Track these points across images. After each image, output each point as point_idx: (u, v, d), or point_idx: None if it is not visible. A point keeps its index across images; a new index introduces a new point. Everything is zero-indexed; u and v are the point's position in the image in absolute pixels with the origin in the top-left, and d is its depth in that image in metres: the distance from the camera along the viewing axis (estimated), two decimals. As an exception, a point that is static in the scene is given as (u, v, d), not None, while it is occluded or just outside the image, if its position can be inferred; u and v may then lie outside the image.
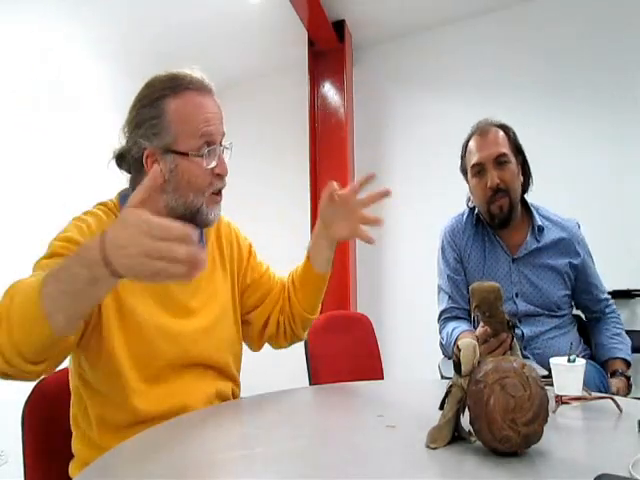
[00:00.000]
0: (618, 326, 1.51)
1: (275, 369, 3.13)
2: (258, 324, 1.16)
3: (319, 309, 1.21)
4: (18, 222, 2.60)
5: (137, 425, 0.88)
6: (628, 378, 1.38)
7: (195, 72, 0.98)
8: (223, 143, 1.01)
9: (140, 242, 0.61)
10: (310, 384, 1.50)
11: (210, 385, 1.01)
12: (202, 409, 0.93)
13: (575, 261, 1.49)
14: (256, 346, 1.20)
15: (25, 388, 0.96)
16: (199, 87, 0.97)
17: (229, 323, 1.08)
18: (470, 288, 1.01)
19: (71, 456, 0.94)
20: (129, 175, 1.02)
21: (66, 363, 1.01)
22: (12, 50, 2.72)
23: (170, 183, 0.96)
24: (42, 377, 0.83)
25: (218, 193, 1.01)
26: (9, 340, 0.69)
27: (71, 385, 0.96)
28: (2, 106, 2.64)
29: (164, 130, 0.94)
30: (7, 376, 0.73)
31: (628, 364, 1.43)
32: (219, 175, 0.99)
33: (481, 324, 1.12)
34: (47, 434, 0.96)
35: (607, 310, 1.55)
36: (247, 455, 0.72)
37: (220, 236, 1.13)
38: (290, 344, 1.22)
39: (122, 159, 1.01)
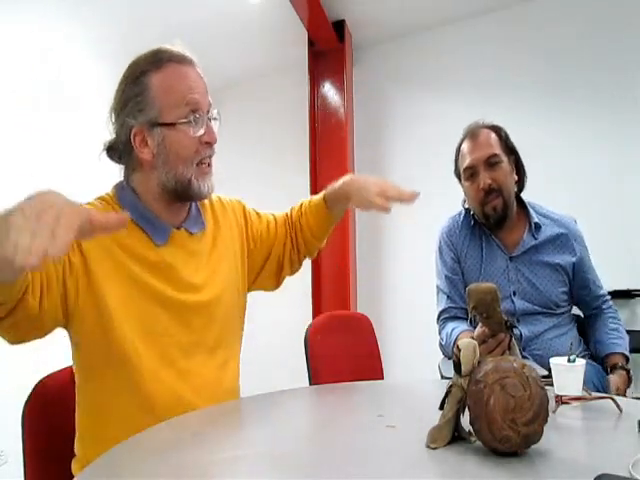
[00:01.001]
0: (615, 321, 1.51)
1: (275, 369, 3.13)
2: (272, 271, 1.20)
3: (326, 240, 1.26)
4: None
5: (146, 415, 0.88)
6: (628, 371, 1.38)
7: (176, 46, 1.00)
8: (211, 112, 1.01)
9: (47, 208, 0.60)
10: (310, 384, 1.49)
11: (217, 366, 1.01)
12: (202, 409, 0.93)
13: (573, 258, 1.48)
14: (274, 288, 1.25)
15: (25, 388, 0.96)
16: (181, 59, 0.98)
17: (232, 300, 1.09)
18: (467, 290, 1.01)
19: (71, 456, 0.94)
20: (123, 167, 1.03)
21: (69, 362, 1.01)
22: (12, 50, 2.72)
23: (159, 157, 0.96)
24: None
25: (208, 164, 1.01)
26: None
27: (77, 381, 0.95)
28: (2, 106, 2.64)
29: (148, 105, 0.95)
30: None
31: (627, 359, 1.42)
32: (208, 143, 0.99)
33: (479, 324, 1.12)
34: (47, 434, 0.96)
35: (604, 306, 1.54)
36: (247, 455, 0.72)
37: (217, 216, 1.13)
38: (296, 268, 1.27)
39: (112, 149, 1.01)
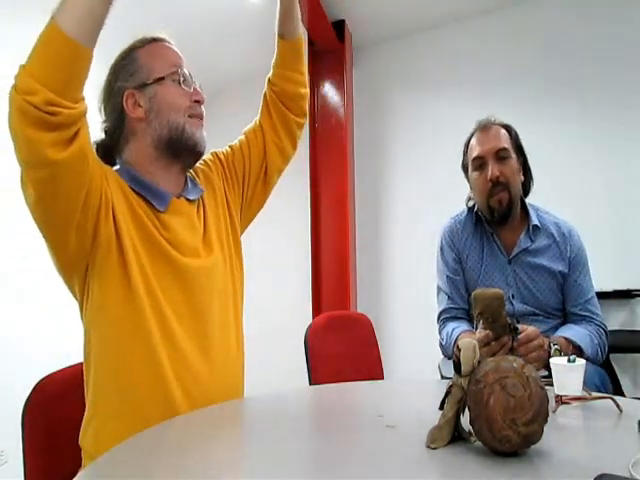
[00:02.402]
0: (591, 330, 1.39)
1: (275, 369, 3.13)
2: (260, 177, 1.21)
3: (306, 79, 1.25)
4: (15, 223, 2.60)
5: (152, 364, 0.91)
6: (558, 351, 1.15)
7: (161, 34, 1.07)
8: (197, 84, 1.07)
9: None
10: (310, 384, 1.49)
11: (219, 327, 1.03)
12: (203, 409, 0.93)
13: (567, 265, 1.46)
14: (266, 196, 1.25)
15: (25, 387, 0.96)
16: (166, 41, 1.07)
17: (229, 257, 1.11)
18: (472, 295, 1.00)
19: (71, 455, 0.94)
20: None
21: (69, 363, 1.01)
22: (12, 51, 2.72)
23: (152, 111, 1.00)
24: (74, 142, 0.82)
25: (199, 118, 1.05)
26: (27, 72, 0.76)
27: (90, 337, 0.96)
28: (2, 106, 2.65)
29: (138, 70, 1.01)
30: (48, 122, 0.76)
31: (577, 348, 1.30)
32: (197, 101, 1.04)
33: (480, 326, 1.11)
34: (47, 434, 0.96)
35: (589, 320, 1.43)
36: (247, 455, 0.72)
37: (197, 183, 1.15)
38: (296, 144, 1.26)
39: (103, 143, 1.04)
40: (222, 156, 1.21)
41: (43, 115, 0.76)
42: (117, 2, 0.81)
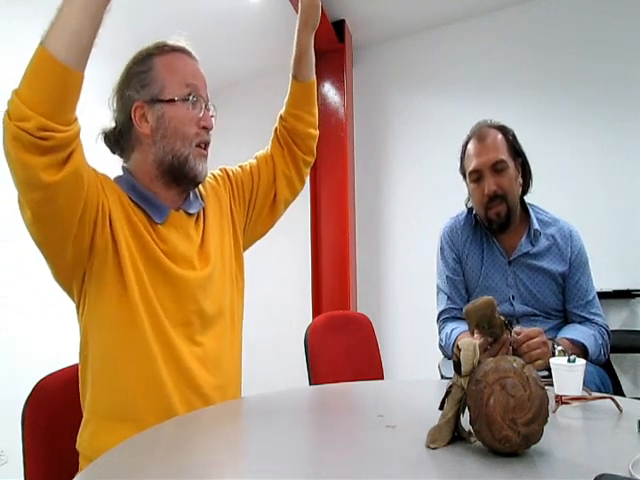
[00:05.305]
0: (596, 329, 1.40)
1: (275, 369, 3.13)
2: (267, 203, 1.21)
3: (317, 121, 1.30)
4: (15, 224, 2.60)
5: (150, 364, 0.91)
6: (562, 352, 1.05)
7: (181, 41, 1.06)
8: (209, 104, 1.05)
9: None
10: (310, 384, 1.49)
11: (215, 337, 1.03)
12: (201, 409, 0.93)
13: (567, 265, 1.46)
14: (271, 224, 1.25)
15: (25, 387, 0.96)
16: (184, 51, 1.05)
17: (229, 269, 1.11)
18: (465, 311, 1.00)
19: (72, 455, 0.94)
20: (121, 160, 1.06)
21: (69, 363, 1.01)
22: (11, 50, 2.72)
23: (158, 131, 0.99)
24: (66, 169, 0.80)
25: (204, 148, 1.05)
26: (19, 98, 0.75)
27: (86, 341, 0.96)
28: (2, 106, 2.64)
29: (152, 82, 0.99)
30: (41, 148, 0.75)
31: (582, 349, 1.30)
32: (205, 128, 1.03)
33: (478, 334, 1.10)
34: (47, 434, 0.96)
35: (591, 319, 1.43)
36: (246, 455, 0.72)
37: (202, 196, 1.14)
38: (303, 180, 1.28)
39: (110, 134, 1.04)
40: (231, 173, 1.21)
41: (36, 140, 0.75)
42: (116, 2, 0.81)
